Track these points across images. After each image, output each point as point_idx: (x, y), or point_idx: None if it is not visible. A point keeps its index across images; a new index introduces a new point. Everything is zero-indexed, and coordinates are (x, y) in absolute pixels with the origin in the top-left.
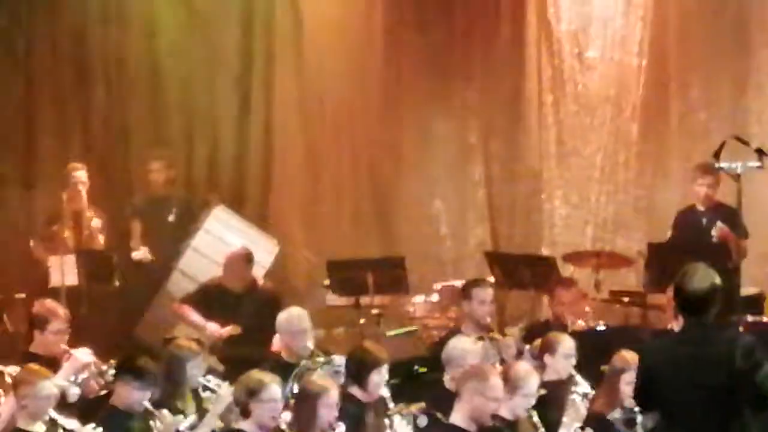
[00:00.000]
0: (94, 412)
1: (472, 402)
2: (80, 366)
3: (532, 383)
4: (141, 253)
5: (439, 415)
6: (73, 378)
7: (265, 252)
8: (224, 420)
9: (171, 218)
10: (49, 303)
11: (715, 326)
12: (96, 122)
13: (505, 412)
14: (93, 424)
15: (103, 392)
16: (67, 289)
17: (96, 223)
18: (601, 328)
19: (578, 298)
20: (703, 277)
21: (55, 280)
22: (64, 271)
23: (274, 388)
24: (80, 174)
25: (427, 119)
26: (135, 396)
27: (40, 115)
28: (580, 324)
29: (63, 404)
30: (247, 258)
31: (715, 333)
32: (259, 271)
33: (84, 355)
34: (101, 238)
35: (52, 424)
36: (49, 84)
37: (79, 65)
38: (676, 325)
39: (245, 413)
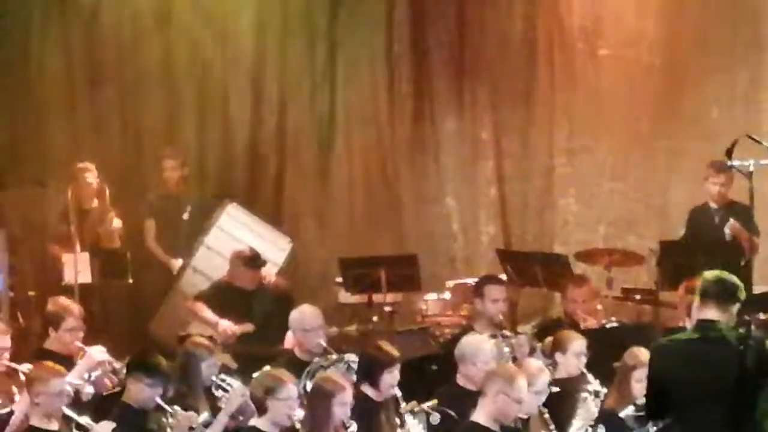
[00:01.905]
0: (107, 409)
1: (496, 402)
2: (94, 364)
3: (542, 380)
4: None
5: (451, 412)
6: (86, 376)
7: (278, 250)
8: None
9: (185, 216)
10: (64, 300)
11: (727, 325)
12: (109, 121)
13: None
14: (106, 422)
15: (117, 389)
16: (80, 287)
17: (117, 223)
18: (613, 325)
19: (590, 296)
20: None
21: (68, 278)
22: (78, 269)
23: (290, 386)
24: (89, 173)
25: (440, 116)
26: (147, 393)
27: (54, 114)
28: (592, 321)
29: (77, 402)
30: (249, 258)
31: (727, 331)
32: (272, 269)
33: (98, 353)
34: (118, 241)
35: (66, 421)
36: (62, 83)
37: (91, 64)
38: (688, 322)
39: (261, 410)
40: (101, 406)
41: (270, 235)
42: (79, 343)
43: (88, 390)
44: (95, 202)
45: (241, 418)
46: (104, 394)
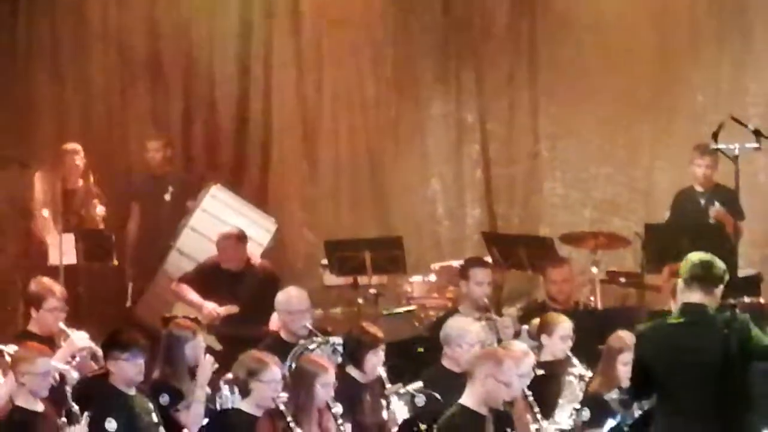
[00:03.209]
0: (91, 392)
1: (485, 385)
2: (76, 349)
3: (527, 363)
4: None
5: (436, 394)
6: (69, 359)
7: (263, 230)
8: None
9: (167, 197)
10: (46, 280)
11: (711, 308)
12: (94, 102)
13: None
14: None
15: (100, 372)
16: (65, 268)
17: (100, 210)
18: (596, 307)
19: (569, 276)
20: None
21: (53, 259)
22: (63, 250)
23: (274, 368)
24: (76, 155)
25: (425, 100)
26: (127, 369)
27: (39, 95)
28: (573, 303)
29: (61, 386)
30: (237, 237)
31: (712, 314)
32: (256, 250)
33: (81, 339)
34: (101, 225)
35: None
36: (48, 63)
37: (78, 45)
38: (673, 305)
39: (245, 392)
40: (84, 390)
41: (255, 215)
42: (62, 325)
43: (73, 374)
44: (80, 183)
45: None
46: (88, 375)
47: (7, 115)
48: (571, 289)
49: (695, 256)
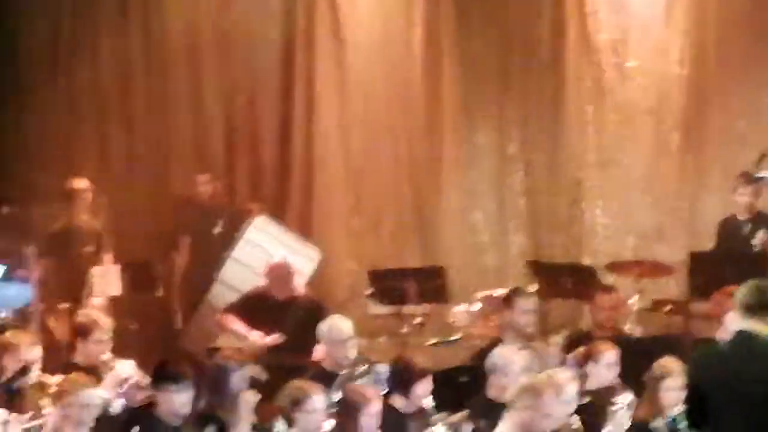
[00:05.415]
0: (137, 423)
1: (522, 416)
2: (122, 379)
3: (571, 390)
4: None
5: (481, 424)
6: (115, 389)
7: (306, 260)
8: None
9: (217, 230)
10: (93, 312)
11: (762, 338)
12: (138, 135)
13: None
14: None
15: (147, 402)
16: (110, 299)
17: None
18: (642, 336)
19: (618, 303)
20: None
21: (98, 291)
22: (108, 281)
23: (316, 397)
24: (86, 193)
25: (467, 130)
26: (176, 399)
27: (82, 130)
28: (621, 330)
29: (106, 415)
30: (288, 268)
31: (761, 345)
32: (300, 280)
33: (125, 368)
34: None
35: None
36: (91, 99)
37: (120, 77)
38: (723, 333)
39: (290, 422)
40: (130, 420)
41: (298, 246)
42: (107, 355)
43: (118, 402)
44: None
45: None
46: (135, 407)
47: (49, 149)
48: (620, 316)
49: (749, 284)
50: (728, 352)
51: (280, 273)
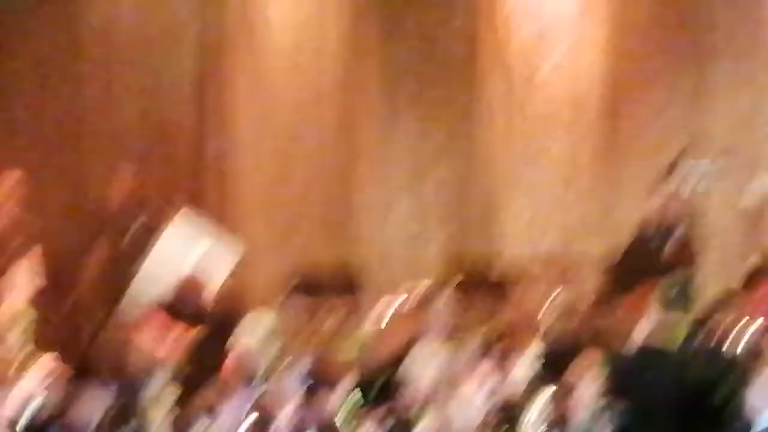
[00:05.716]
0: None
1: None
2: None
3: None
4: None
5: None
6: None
7: (230, 252)
8: None
9: (134, 228)
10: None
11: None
12: (51, 130)
13: None
14: None
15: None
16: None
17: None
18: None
19: (540, 298)
20: None
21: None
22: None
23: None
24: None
25: (389, 126)
26: (88, 405)
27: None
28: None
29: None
30: (199, 282)
31: (680, 340)
32: (224, 272)
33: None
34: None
35: None
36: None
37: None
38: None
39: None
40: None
41: (221, 237)
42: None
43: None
44: None
45: None
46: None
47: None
48: (540, 310)
49: (666, 280)
50: (642, 351)
51: (190, 287)
